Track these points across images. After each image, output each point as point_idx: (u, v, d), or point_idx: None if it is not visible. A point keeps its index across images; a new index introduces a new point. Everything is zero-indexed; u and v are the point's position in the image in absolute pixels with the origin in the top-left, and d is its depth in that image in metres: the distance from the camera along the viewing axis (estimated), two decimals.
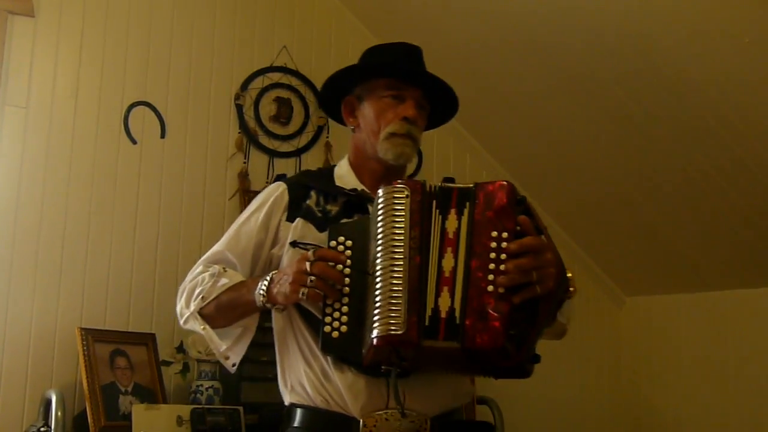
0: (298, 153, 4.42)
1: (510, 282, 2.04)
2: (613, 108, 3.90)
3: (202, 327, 2.40)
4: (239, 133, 4.29)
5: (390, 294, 2.07)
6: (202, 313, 2.40)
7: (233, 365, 2.44)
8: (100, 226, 3.92)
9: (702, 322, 4.44)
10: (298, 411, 2.37)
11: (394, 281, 2.08)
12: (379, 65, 2.55)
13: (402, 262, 2.10)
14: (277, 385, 3.18)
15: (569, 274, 2.22)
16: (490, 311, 2.02)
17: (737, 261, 4.14)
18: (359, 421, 2.25)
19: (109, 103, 4.03)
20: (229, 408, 3.63)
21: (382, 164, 2.46)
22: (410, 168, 2.86)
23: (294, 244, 2.36)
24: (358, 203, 2.33)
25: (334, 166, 2.59)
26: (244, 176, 4.25)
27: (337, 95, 2.59)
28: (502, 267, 2.04)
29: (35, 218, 3.80)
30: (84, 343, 3.61)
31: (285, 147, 4.40)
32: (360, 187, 2.45)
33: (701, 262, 4.30)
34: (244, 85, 4.34)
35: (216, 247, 2.53)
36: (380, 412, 2.23)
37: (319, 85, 4.45)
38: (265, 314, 2.44)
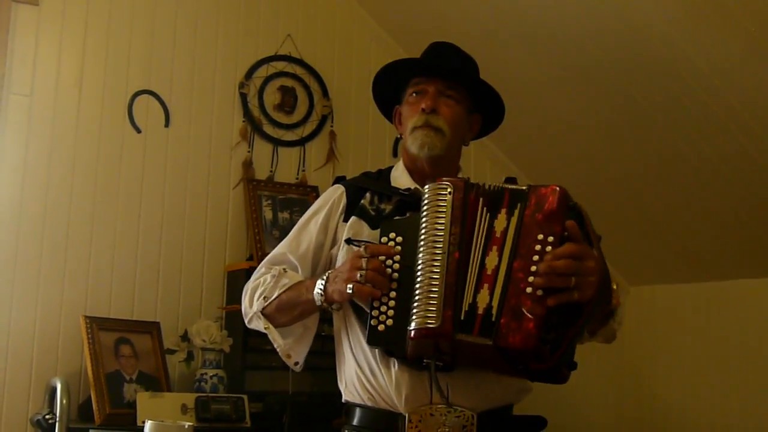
0: (302, 142, 4.42)
1: (545, 283, 2.05)
2: (617, 97, 3.89)
3: (265, 326, 2.47)
4: (243, 121, 4.29)
5: (428, 288, 2.11)
6: (265, 313, 2.47)
7: (295, 363, 2.50)
8: (104, 215, 3.93)
9: (706, 311, 4.44)
10: (353, 409, 2.42)
11: (433, 276, 2.12)
12: (393, 63, 2.60)
13: (441, 257, 2.13)
14: (282, 374, 3.20)
15: (614, 286, 2.23)
16: (526, 312, 2.03)
17: (741, 251, 4.14)
18: (405, 417, 2.27)
19: (113, 91, 4.03)
20: (234, 396, 3.65)
21: (426, 162, 2.49)
22: None
23: (348, 241, 2.40)
24: (411, 202, 2.36)
25: (391, 167, 2.63)
26: (248, 165, 4.25)
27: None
28: (539, 267, 2.06)
29: (40, 207, 3.81)
30: (89, 331, 3.62)
31: (289, 136, 4.40)
32: (414, 186, 2.48)
33: (705, 251, 4.29)
34: (249, 74, 4.34)
35: (278, 249, 2.59)
36: (425, 407, 2.25)
37: (323, 74, 4.49)
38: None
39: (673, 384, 4.57)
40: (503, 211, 2.18)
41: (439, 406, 2.24)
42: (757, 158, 3.64)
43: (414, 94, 2.52)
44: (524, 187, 2.19)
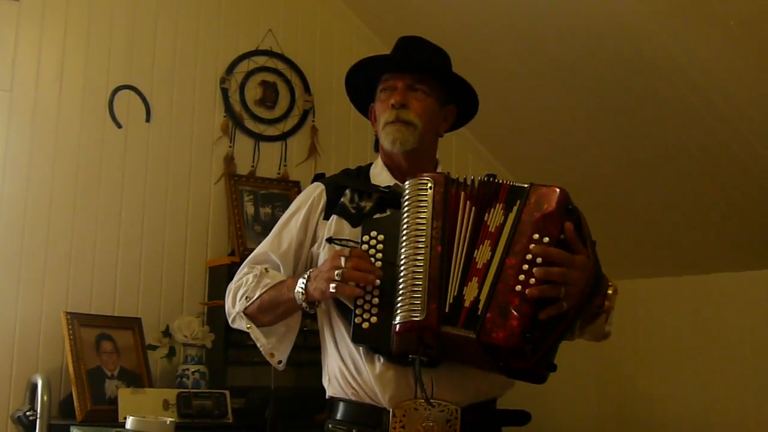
0: (284, 137, 4.41)
1: (539, 293, 2.05)
2: (599, 92, 3.90)
3: (248, 326, 2.47)
4: (225, 116, 4.29)
5: (412, 282, 2.11)
6: (247, 313, 2.46)
7: (279, 362, 2.50)
8: (85, 210, 3.92)
9: (687, 305, 4.45)
10: (336, 404, 2.42)
11: (416, 270, 2.12)
12: (361, 63, 2.59)
13: (423, 252, 2.13)
14: (264, 370, 3.19)
15: (610, 291, 2.24)
16: (512, 310, 2.03)
17: (722, 244, 4.15)
18: (389, 411, 2.27)
19: (93, 86, 4.02)
20: (216, 392, 3.65)
21: (401, 157, 2.49)
22: None
23: (330, 240, 2.40)
24: (391, 199, 2.36)
25: (371, 164, 2.63)
26: (229, 160, 4.25)
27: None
28: (534, 270, 2.05)
29: (20, 202, 3.79)
30: (70, 327, 3.61)
31: (271, 131, 4.40)
32: (393, 183, 2.48)
33: (687, 245, 4.31)
34: (230, 69, 4.33)
35: (260, 248, 2.58)
36: (409, 402, 2.25)
37: (304, 69, 4.49)
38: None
39: (655, 378, 4.58)
40: (498, 206, 2.17)
41: (423, 400, 2.25)
42: (737, 152, 3.66)
43: (384, 91, 2.51)
44: (526, 185, 2.19)
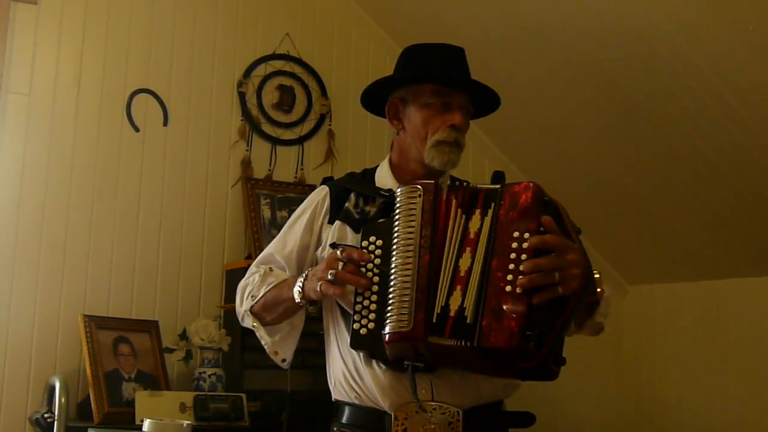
0: (300, 141, 4.42)
1: (529, 283, 2.02)
2: (614, 94, 3.90)
3: (253, 324, 2.50)
4: (242, 120, 4.30)
5: (401, 292, 2.12)
6: (253, 311, 2.50)
7: (283, 361, 2.52)
8: (103, 214, 3.93)
9: (704, 310, 4.44)
10: (342, 407, 2.44)
11: (405, 279, 2.13)
12: (426, 74, 2.50)
13: (412, 261, 2.14)
14: (280, 373, 3.22)
15: (597, 275, 2.22)
16: (506, 311, 2.02)
17: (739, 250, 4.14)
18: (391, 415, 2.29)
19: (111, 90, 4.03)
20: (232, 395, 3.65)
21: (424, 167, 2.47)
22: None
23: (333, 245, 2.39)
24: (393, 203, 2.34)
25: (377, 166, 2.61)
26: (246, 164, 4.26)
27: (381, 95, 2.58)
28: (521, 267, 2.03)
29: (38, 205, 3.81)
30: (87, 330, 3.62)
31: (287, 135, 4.40)
32: (397, 187, 2.44)
33: (703, 250, 4.30)
34: (247, 73, 4.34)
35: (266, 250, 2.62)
36: (411, 404, 2.26)
37: (322, 73, 4.49)
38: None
39: (672, 382, 4.57)
40: (477, 211, 2.16)
41: (425, 403, 2.25)
42: (755, 156, 3.65)
43: (438, 104, 2.44)
44: (497, 186, 2.17)
